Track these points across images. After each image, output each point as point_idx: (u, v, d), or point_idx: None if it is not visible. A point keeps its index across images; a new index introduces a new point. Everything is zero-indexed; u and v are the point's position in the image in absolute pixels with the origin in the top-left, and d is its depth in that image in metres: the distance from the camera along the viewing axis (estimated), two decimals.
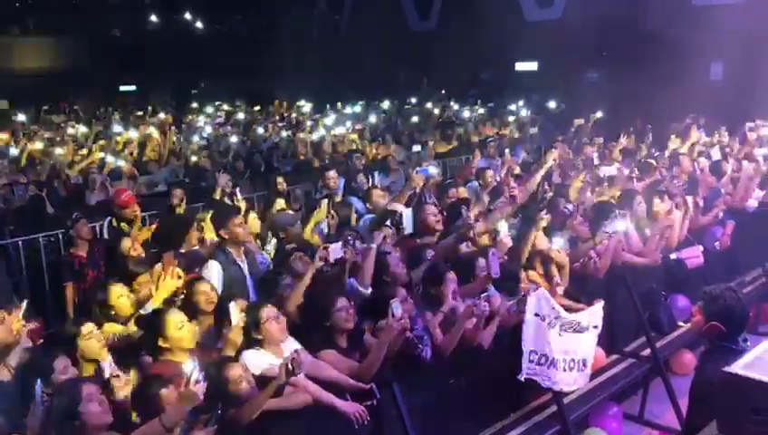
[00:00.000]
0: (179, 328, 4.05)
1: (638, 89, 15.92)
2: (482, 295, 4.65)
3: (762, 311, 7.57)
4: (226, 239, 5.31)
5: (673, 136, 10.98)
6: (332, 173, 8.19)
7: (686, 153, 9.53)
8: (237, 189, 7.55)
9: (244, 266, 5.32)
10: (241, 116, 18.14)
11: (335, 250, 4.82)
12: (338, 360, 4.20)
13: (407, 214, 5.77)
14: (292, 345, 4.17)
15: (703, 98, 14.21)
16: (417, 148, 11.44)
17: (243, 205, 7.03)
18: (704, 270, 6.58)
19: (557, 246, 5.54)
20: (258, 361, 4.02)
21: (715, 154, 9.28)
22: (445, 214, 6.34)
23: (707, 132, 11.68)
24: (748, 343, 3.20)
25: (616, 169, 8.39)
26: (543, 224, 5.65)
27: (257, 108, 20.25)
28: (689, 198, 6.97)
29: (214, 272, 5.07)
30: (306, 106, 19.95)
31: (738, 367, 2.61)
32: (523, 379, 4.74)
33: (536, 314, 4.69)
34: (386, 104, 20.30)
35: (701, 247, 6.71)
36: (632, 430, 5.85)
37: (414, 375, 4.32)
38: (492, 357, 4.79)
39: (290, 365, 3.61)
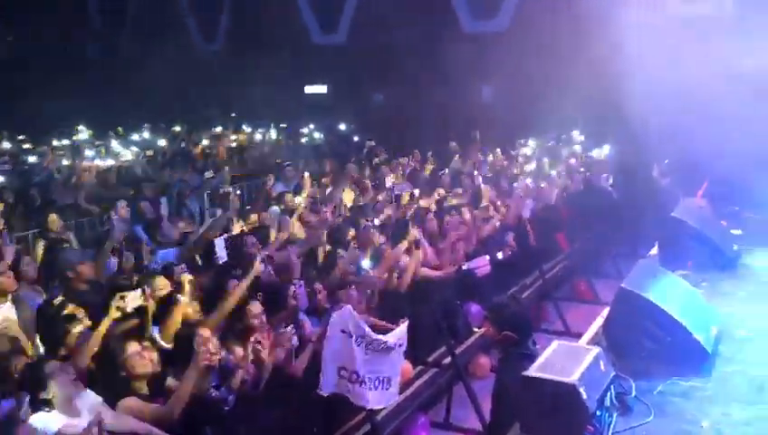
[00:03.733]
0: None
1: (419, 110, 16.92)
2: (290, 325, 4.59)
3: (542, 309, 8.38)
4: None
5: (456, 156, 11.83)
6: (123, 203, 7.71)
7: (467, 171, 10.33)
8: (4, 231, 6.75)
9: (13, 315, 4.77)
10: (6, 146, 16.27)
11: (134, 297, 4.45)
12: (140, 406, 3.93)
13: (219, 243, 5.59)
14: (89, 400, 3.80)
15: (477, 118, 15.51)
16: (209, 174, 11.11)
17: (10, 249, 6.23)
18: (492, 277, 7.11)
19: (365, 267, 5.65)
20: (50, 425, 3.57)
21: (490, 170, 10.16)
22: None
23: (484, 151, 12.73)
24: (537, 346, 3.49)
25: (407, 187, 8.84)
26: (353, 244, 5.76)
27: (22, 136, 18.19)
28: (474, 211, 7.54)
29: None
30: (85, 132, 18.42)
31: (533, 370, 2.84)
32: (325, 394, 4.53)
33: (342, 331, 4.65)
34: (177, 128, 19.42)
35: (488, 257, 7.25)
36: None
37: (226, 415, 4.13)
38: (305, 384, 4.72)
39: (94, 430, 3.32)
